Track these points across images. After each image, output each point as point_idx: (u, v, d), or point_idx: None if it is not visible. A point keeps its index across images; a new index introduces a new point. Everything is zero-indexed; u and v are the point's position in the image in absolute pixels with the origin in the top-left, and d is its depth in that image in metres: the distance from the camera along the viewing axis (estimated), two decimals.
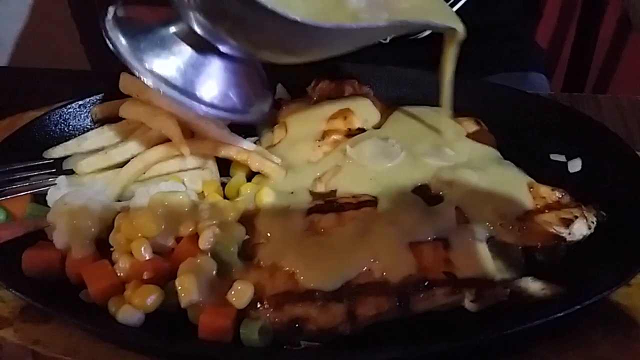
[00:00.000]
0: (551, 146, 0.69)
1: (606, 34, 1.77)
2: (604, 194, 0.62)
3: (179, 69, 0.56)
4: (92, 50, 1.20)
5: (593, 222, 0.59)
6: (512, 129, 0.70)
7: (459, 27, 0.65)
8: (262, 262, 0.54)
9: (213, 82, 0.57)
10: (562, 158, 0.68)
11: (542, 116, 0.71)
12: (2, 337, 0.52)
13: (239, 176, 0.65)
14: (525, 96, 0.75)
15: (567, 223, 0.58)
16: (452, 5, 1.01)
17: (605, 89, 1.72)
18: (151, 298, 0.51)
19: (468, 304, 0.52)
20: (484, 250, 0.55)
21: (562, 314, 0.49)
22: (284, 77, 0.78)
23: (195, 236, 0.55)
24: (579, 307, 0.49)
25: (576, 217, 0.58)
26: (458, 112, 0.70)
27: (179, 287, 0.51)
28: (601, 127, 0.69)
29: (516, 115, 0.72)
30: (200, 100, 0.56)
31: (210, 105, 0.56)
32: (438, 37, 1.01)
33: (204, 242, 0.54)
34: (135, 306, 0.51)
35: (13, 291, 0.53)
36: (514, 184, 0.61)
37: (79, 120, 0.72)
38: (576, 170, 0.67)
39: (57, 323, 0.53)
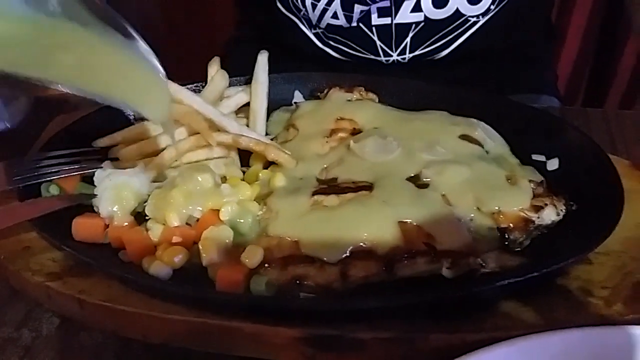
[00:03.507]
0: (533, 147, 0.77)
1: (627, 62, 1.85)
2: (576, 189, 0.71)
3: None
4: None
5: (562, 210, 0.68)
6: (500, 132, 0.80)
7: (154, 116, 0.65)
8: (271, 233, 0.64)
9: None
10: (542, 158, 0.76)
11: (526, 121, 0.80)
12: (52, 287, 0.63)
13: (257, 165, 0.75)
14: (513, 104, 0.84)
15: (538, 209, 0.67)
16: (468, 29, 1.09)
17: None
18: (178, 257, 0.62)
19: (445, 271, 0.61)
20: (461, 228, 0.64)
21: (522, 278, 0.57)
22: (300, 84, 0.89)
23: (217, 210, 0.66)
24: (537, 274, 0.58)
25: (546, 204, 0.67)
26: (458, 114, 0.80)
27: (201, 249, 0.62)
28: (578, 131, 0.77)
29: (504, 119, 0.81)
30: None
31: None
32: (457, 56, 1.10)
33: (224, 214, 0.65)
34: (164, 263, 0.61)
35: (65, 249, 0.64)
36: (493, 176, 0.70)
37: (122, 117, 0.83)
38: (554, 169, 0.75)
39: (99, 277, 0.62)
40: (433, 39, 1.08)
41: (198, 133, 0.75)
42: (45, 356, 0.63)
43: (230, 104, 0.80)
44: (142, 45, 0.58)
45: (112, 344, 0.63)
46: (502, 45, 1.16)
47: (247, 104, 0.82)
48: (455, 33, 1.08)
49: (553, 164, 0.75)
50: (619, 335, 0.54)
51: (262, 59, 0.82)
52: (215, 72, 0.82)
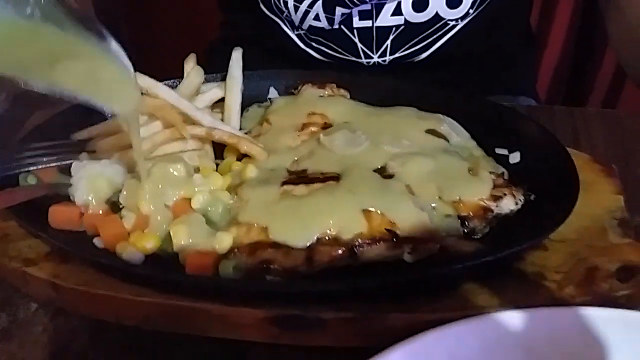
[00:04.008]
0: (497, 142, 0.80)
1: (607, 67, 1.89)
2: (535, 180, 0.74)
3: None
4: None
5: (521, 200, 0.71)
6: (466, 127, 0.83)
7: (122, 113, 0.69)
8: (241, 220, 0.66)
9: None
10: (505, 152, 0.79)
11: (491, 117, 0.83)
12: (29, 273, 0.65)
13: (230, 158, 0.78)
14: (479, 101, 0.87)
15: (497, 199, 0.70)
16: (447, 32, 1.12)
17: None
18: (150, 243, 0.64)
19: (406, 255, 0.64)
20: (423, 216, 0.66)
21: (477, 262, 0.60)
22: (275, 81, 0.92)
23: (189, 199, 0.68)
24: (492, 258, 0.61)
25: (505, 194, 0.70)
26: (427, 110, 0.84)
27: (172, 235, 0.64)
28: (539, 127, 0.80)
29: (471, 116, 0.84)
30: None
31: None
32: (436, 59, 1.13)
33: (195, 203, 0.67)
34: (137, 248, 0.64)
35: (41, 236, 0.66)
36: (455, 167, 0.73)
37: (99, 112, 0.85)
38: (516, 162, 0.78)
39: (74, 263, 0.65)
40: (413, 42, 1.11)
41: (173, 126, 0.77)
42: (21, 339, 0.65)
43: (205, 99, 0.82)
44: (114, 44, 0.61)
45: (87, 327, 0.65)
46: (480, 48, 1.19)
47: (222, 100, 0.85)
48: (435, 36, 1.11)
49: (515, 157, 0.78)
50: (568, 315, 0.57)
51: (237, 55, 0.85)
52: (191, 68, 0.85)
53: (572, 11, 1.88)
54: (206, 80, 0.87)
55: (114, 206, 0.70)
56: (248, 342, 0.61)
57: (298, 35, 1.15)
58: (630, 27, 1.06)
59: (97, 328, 0.65)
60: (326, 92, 0.87)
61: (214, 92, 0.83)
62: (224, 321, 0.59)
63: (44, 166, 0.75)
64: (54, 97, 0.91)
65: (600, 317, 0.55)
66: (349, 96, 0.88)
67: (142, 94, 0.80)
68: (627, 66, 1.14)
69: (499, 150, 0.80)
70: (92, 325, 0.66)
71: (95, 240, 0.67)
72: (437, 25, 1.10)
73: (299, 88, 0.89)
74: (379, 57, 1.12)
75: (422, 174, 0.71)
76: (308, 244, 0.63)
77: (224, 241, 0.63)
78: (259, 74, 0.91)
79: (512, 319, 0.56)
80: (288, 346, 0.61)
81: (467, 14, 1.10)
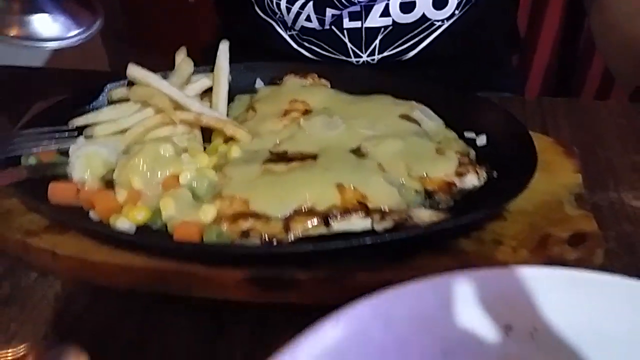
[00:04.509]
0: (465, 126, 0.86)
1: (595, 69, 1.95)
2: (499, 160, 0.80)
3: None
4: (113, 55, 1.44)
5: (484, 177, 0.77)
6: (437, 113, 0.89)
7: None
8: (224, 194, 0.72)
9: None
10: (472, 135, 0.85)
11: (461, 103, 0.89)
12: (29, 244, 0.71)
13: (217, 141, 0.84)
14: (451, 90, 0.93)
15: (461, 175, 0.75)
16: (433, 32, 1.17)
17: None
18: (140, 214, 0.70)
19: (375, 225, 0.69)
20: (392, 190, 0.72)
21: (438, 228, 0.66)
22: (262, 73, 0.98)
23: (177, 176, 0.74)
24: (452, 224, 0.66)
25: (469, 171, 0.76)
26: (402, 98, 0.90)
27: (161, 207, 0.70)
28: (505, 112, 0.86)
29: (442, 103, 0.90)
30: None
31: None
32: (423, 58, 1.18)
33: (183, 179, 0.73)
34: (129, 219, 0.70)
35: (41, 210, 0.72)
36: (424, 148, 0.79)
37: (97, 101, 0.92)
38: (482, 144, 0.84)
39: (72, 234, 0.70)
40: (400, 41, 1.17)
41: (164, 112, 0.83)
42: (22, 305, 0.70)
43: (194, 87, 0.88)
44: None
45: (83, 293, 0.71)
46: (467, 47, 1.25)
47: (211, 90, 0.91)
48: (421, 36, 1.17)
49: (482, 140, 0.84)
50: (519, 274, 0.63)
51: (224, 47, 0.91)
52: (181, 60, 0.91)
53: (561, 13, 1.93)
54: (196, 72, 0.93)
55: (108, 183, 0.76)
56: (229, 304, 0.67)
57: (291, 36, 1.21)
58: (614, 24, 1.11)
59: (92, 294, 0.71)
60: (308, 82, 0.93)
61: (202, 81, 0.89)
62: (209, 282, 0.65)
63: (44, 148, 0.80)
64: (54, 89, 0.99)
65: (549, 276, 0.61)
66: (329, 86, 0.94)
67: (134, 83, 0.87)
68: (610, 65, 1.20)
69: (467, 134, 0.85)
70: (87, 292, 0.71)
71: (91, 214, 0.72)
72: (424, 25, 1.16)
73: (283, 79, 0.95)
74: (367, 56, 1.18)
75: (392, 154, 0.77)
76: (286, 214, 0.69)
77: (208, 212, 0.69)
78: (246, 65, 0.97)
79: (469, 278, 0.62)
80: (267, 307, 0.66)
81: (452, 15, 1.15)
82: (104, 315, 0.69)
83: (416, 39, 1.17)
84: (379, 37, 1.16)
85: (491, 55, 1.36)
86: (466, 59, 1.28)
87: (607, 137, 0.97)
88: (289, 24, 1.18)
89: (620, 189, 0.86)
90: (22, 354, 0.49)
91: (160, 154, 0.75)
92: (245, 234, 0.68)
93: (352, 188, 0.71)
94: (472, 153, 0.81)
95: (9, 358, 0.49)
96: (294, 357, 0.49)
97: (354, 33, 1.16)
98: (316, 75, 0.94)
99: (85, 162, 0.75)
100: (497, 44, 1.38)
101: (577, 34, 1.96)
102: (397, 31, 1.16)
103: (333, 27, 1.16)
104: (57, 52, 1.49)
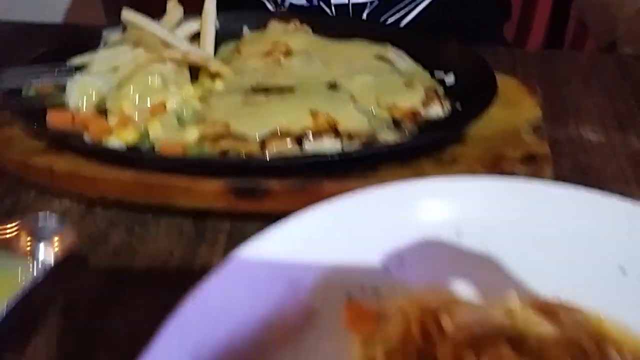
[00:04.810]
0: (435, 66, 0.92)
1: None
2: (465, 95, 0.86)
3: None
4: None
5: (448, 109, 0.83)
6: (411, 55, 0.95)
7: None
8: (207, 119, 0.79)
9: None
10: (441, 74, 0.91)
11: (432, 46, 0.95)
12: (29, 164, 0.77)
13: (204, 78, 0.90)
14: (422, 35, 0.99)
15: (426, 105, 0.82)
16: (418, 4, 1.22)
17: None
18: (130, 135, 0.77)
19: (345, 146, 0.76)
20: (361, 117, 0.79)
21: (399, 147, 0.73)
22: (248, 21, 1.04)
23: (164, 104, 0.81)
24: (412, 143, 0.73)
25: (434, 103, 0.82)
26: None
27: (149, 129, 0.77)
28: (473, 53, 0.92)
29: (415, 46, 0.96)
30: None
31: None
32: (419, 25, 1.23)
33: (169, 105, 0.80)
34: (119, 139, 0.76)
35: (39, 134, 0.79)
36: (394, 82, 0.85)
37: (94, 44, 0.98)
38: (451, 82, 0.90)
39: (67, 155, 0.77)
40: (387, 15, 1.23)
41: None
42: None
43: (183, 30, 0.95)
44: None
45: (77, 207, 0.78)
46: (453, 19, 1.29)
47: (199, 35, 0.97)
48: (407, 9, 1.22)
49: (450, 78, 0.90)
50: (472, 182, 0.69)
51: None
52: (172, 6, 0.97)
53: None
54: (186, 19, 0.99)
55: (102, 112, 0.82)
56: (209, 216, 0.73)
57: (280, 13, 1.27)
58: None
59: (85, 208, 0.78)
60: (290, 27, 0.99)
61: (191, 24, 0.95)
62: (190, 192, 0.72)
63: (43, 82, 0.87)
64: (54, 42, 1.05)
65: (500, 186, 0.67)
66: (311, 32, 1.00)
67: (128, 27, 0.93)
68: (588, 22, 1.25)
69: (437, 73, 0.92)
70: (81, 206, 0.78)
71: (85, 136, 0.79)
72: None
73: (267, 24, 1.01)
74: None
75: (364, 86, 0.83)
76: (262, 136, 0.75)
77: (192, 134, 0.76)
78: (233, 15, 1.04)
79: (422, 184, 0.68)
80: (244, 218, 0.73)
81: None
82: (95, 225, 0.76)
83: (402, 12, 1.23)
84: (366, 12, 1.21)
85: (480, 26, 1.41)
86: (453, 31, 1.33)
87: (573, 81, 1.03)
88: (279, 1, 1.24)
89: (580, 126, 0.92)
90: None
91: (150, 84, 0.81)
92: (225, 153, 0.75)
93: (325, 114, 0.78)
94: (440, 89, 0.87)
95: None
96: (260, 247, 0.56)
97: (341, 9, 1.22)
98: (298, 22, 1.00)
99: (81, 90, 0.81)
100: (486, 15, 1.41)
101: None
102: (383, 5, 1.21)
103: (321, 3, 1.21)
104: (55, 8, 1.57)
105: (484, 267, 0.64)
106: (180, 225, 0.75)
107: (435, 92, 0.85)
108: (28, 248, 0.56)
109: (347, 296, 0.61)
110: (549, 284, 0.61)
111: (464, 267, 0.65)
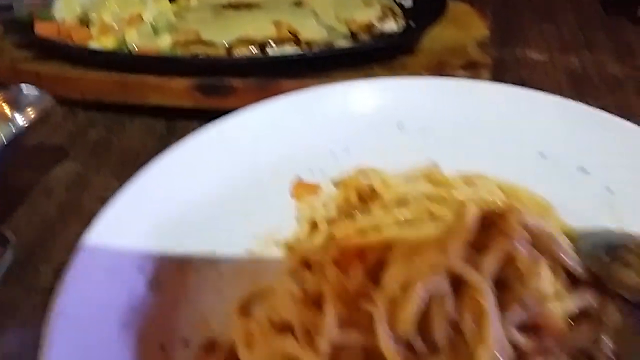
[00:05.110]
0: None
1: None
2: (415, 15, 0.93)
3: None
4: None
5: (402, 25, 0.91)
6: None
7: None
8: (180, 29, 0.86)
9: None
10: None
11: None
12: (19, 68, 0.85)
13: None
14: None
15: (382, 20, 0.90)
16: None
17: None
18: (109, 41, 0.85)
19: (305, 50, 0.84)
20: (321, 29, 0.86)
21: (348, 51, 0.81)
22: None
23: (141, 15, 0.88)
24: (362, 49, 0.81)
25: (390, 18, 0.90)
26: None
27: (126, 36, 0.84)
28: None
29: None
30: None
31: None
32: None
33: (146, 16, 0.88)
34: (100, 44, 0.84)
35: (28, 42, 0.86)
36: (352, 0, 0.93)
37: None
38: (409, 5, 0.98)
39: (54, 62, 0.85)
40: None
41: None
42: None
43: None
44: None
45: (60, 107, 0.86)
46: None
47: None
48: None
49: (408, 2, 0.98)
50: (412, 80, 0.76)
51: None
52: None
53: None
54: None
55: (85, 22, 0.90)
56: (179, 114, 0.81)
57: None
58: None
59: (68, 109, 0.86)
60: None
61: None
62: (161, 90, 0.80)
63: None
64: None
65: (438, 85, 0.75)
66: None
67: None
68: None
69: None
70: (64, 108, 0.86)
71: (69, 42, 0.87)
72: None
73: None
74: None
75: (325, 3, 0.91)
76: (229, 42, 0.83)
77: (165, 40, 0.83)
78: None
79: (369, 83, 0.76)
80: (210, 116, 0.81)
81: None
82: (76, 124, 0.84)
83: None
84: None
85: None
86: None
87: (524, 11, 1.10)
88: None
89: (527, 49, 1.00)
90: None
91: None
92: (195, 56, 0.82)
93: (287, 24, 0.86)
94: (397, 8, 0.95)
95: None
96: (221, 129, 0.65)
97: None
98: None
99: (65, 4, 0.89)
100: None
101: None
102: None
103: None
104: None
105: (418, 154, 0.73)
106: (153, 125, 0.83)
107: (391, 9, 0.92)
108: (8, 113, 0.64)
109: (296, 176, 0.69)
110: (478, 166, 0.69)
111: (400, 154, 0.73)
